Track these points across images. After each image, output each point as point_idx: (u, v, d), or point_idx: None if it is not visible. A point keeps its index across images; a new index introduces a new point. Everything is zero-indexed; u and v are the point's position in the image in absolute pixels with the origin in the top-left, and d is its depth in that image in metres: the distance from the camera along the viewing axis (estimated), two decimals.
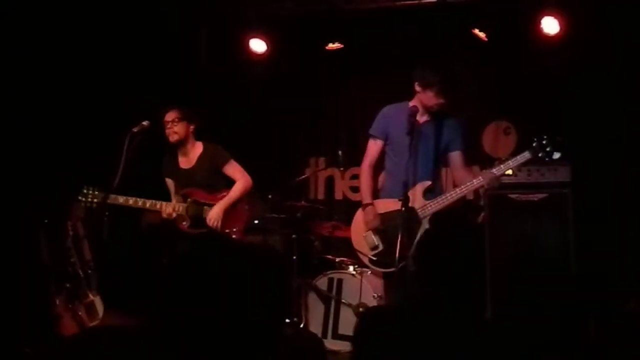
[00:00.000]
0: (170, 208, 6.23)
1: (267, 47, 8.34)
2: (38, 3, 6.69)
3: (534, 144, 5.72)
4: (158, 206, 6.21)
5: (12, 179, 6.50)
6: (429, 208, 5.74)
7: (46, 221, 6.47)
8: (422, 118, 5.89)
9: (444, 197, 5.78)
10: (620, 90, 7.34)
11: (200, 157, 6.43)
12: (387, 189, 5.99)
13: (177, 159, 6.45)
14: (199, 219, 6.28)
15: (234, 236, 6.23)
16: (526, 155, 5.73)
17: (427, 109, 5.86)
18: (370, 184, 6.06)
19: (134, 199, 6.15)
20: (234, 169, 6.49)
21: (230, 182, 6.50)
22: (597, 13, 7.20)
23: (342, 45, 8.25)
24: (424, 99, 5.82)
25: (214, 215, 6.26)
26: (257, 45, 8.36)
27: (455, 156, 5.98)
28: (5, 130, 6.49)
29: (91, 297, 6.40)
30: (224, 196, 6.38)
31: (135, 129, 5.89)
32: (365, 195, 6.02)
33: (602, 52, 7.33)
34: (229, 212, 6.34)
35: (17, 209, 6.51)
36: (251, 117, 8.87)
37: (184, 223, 6.24)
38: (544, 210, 6.76)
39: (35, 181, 6.52)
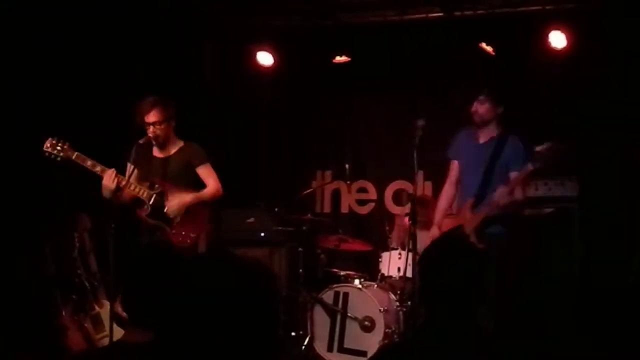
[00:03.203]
0: (137, 189, 5.94)
1: (274, 60, 8.37)
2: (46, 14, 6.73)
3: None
4: (124, 183, 5.83)
5: (18, 190, 6.51)
6: (473, 221, 5.84)
7: (53, 232, 6.47)
8: (483, 138, 6.08)
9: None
10: (628, 104, 7.32)
11: (178, 151, 6.10)
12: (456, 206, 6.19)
13: (152, 149, 6.10)
14: (159, 210, 5.95)
15: (187, 240, 5.91)
16: (529, 167, 5.74)
17: (476, 125, 6.08)
18: (443, 204, 6.24)
19: (101, 166, 5.82)
20: (208, 173, 6.12)
21: (198, 188, 6.13)
22: (604, 27, 7.20)
23: (349, 59, 8.27)
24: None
25: (175, 203, 5.93)
26: (264, 58, 8.39)
27: (513, 176, 5.94)
28: (11, 141, 6.51)
29: (97, 308, 6.41)
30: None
31: (140, 141, 5.89)
32: (436, 215, 6.26)
33: (609, 67, 7.32)
34: (190, 214, 5.98)
35: (23, 220, 6.52)
36: (258, 129, 8.89)
37: (145, 208, 5.93)
38: (550, 225, 6.77)
39: (42, 192, 6.53)
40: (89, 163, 5.86)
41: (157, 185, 5.98)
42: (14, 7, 6.46)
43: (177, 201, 5.94)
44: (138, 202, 5.99)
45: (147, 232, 5.98)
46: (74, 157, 5.85)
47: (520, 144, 5.97)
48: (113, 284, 5.88)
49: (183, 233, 5.94)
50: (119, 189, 5.81)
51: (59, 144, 5.84)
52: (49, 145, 5.84)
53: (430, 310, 2.82)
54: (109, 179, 5.78)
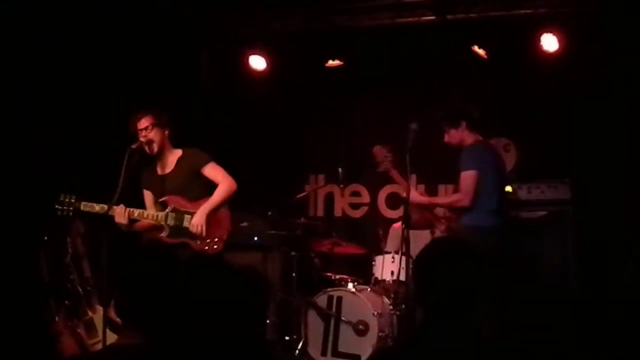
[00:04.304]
0: (150, 216, 5.91)
1: (268, 64, 8.38)
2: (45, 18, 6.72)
3: None
4: (136, 214, 5.86)
5: (11, 195, 6.49)
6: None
7: (46, 238, 6.44)
8: None
9: None
10: (620, 107, 7.35)
11: (179, 162, 6.03)
12: None
13: (156, 168, 6.08)
14: (178, 228, 5.89)
15: (215, 247, 5.85)
16: None
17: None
18: None
19: (109, 206, 5.77)
20: (215, 171, 6.01)
21: (211, 190, 6.03)
22: (596, 30, 7.23)
23: (341, 63, 8.27)
24: None
25: (197, 221, 5.82)
26: (257, 62, 8.39)
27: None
28: (4, 147, 6.49)
29: (90, 314, 6.37)
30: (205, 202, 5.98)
31: (134, 146, 5.85)
32: None
33: (602, 69, 7.34)
34: (211, 218, 5.88)
35: (16, 226, 6.49)
36: (251, 133, 8.88)
37: (163, 234, 5.88)
38: (544, 228, 6.78)
39: (35, 197, 6.51)
40: (97, 208, 5.86)
41: (169, 205, 5.93)
42: (14, 7, 6.45)
43: (197, 219, 5.85)
44: (156, 226, 5.95)
45: (173, 251, 5.78)
46: (82, 208, 5.88)
47: (463, 151, 6.11)
48: (106, 289, 5.86)
49: (208, 241, 5.87)
50: (133, 220, 5.85)
51: (67, 199, 5.91)
52: (58, 204, 5.91)
53: (427, 313, 2.81)
54: (120, 216, 5.79)
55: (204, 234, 5.84)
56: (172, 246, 5.85)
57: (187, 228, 5.87)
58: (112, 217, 5.80)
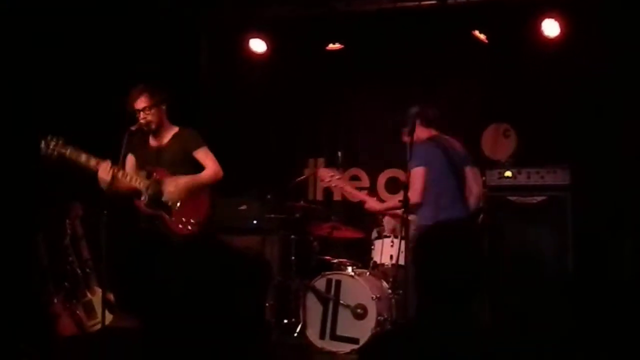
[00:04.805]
0: (133, 179, 5.83)
1: (267, 47, 8.37)
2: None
3: None
4: (120, 175, 5.73)
5: (10, 177, 6.49)
6: None
7: (44, 220, 6.45)
8: None
9: None
10: (620, 92, 7.33)
11: (173, 137, 5.98)
12: None
13: (148, 137, 6.00)
14: (157, 199, 5.81)
15: (188, 227, 5.75)
16: None
17: None
18: None
19: (95, 159, 5.69)
20: (206, 156, 5.97)
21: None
22: (598, 15, 7.21)
23: (342, 46, 8.26)
24: None
25: (172, 189, 5.80)
26: (257, 46, 8.38)
27: None
28: (3, 129, 6.49)
29: (89, 296, 6.40)
30: None
31: (133, 127, 5.83)
32: None
33: (603, 55, 7.32)
34: (189, 198, 5.82)
35: (15, 208, 6.50)
36: (250, 117, 8.87)
37: (142, 198, 5.80)
38: (543, 213, 6.78)
39: (34, 180, 6.51)
40: (83, 157, 5.73)
41: (154, 174, 5.90)
42: (14, 7, 6.43)
43: (173, 185, 5.81)
44: (136, 192, 5.92)
45: (147, 222, 5.85)
46: (67, 154, 5.73)
47: (413, 149, 5.94)
48: (105, 271, 5.86)
49: (183, 220, 5.80)
50: (115, 179, 5.73)
51: (52, 141, 5.74)
52: (43, 145, 5.74)
53: (425, 298, 2.81)
54: (104, 171, 5.67)
55: (178, 204, 5.78)
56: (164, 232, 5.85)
57: (164, 201, 5.80)
58: (96, 171, 5.68)
